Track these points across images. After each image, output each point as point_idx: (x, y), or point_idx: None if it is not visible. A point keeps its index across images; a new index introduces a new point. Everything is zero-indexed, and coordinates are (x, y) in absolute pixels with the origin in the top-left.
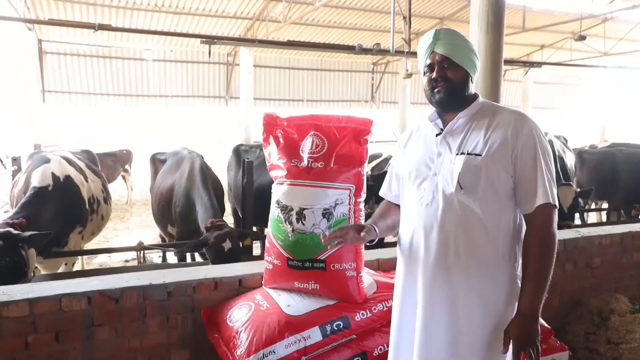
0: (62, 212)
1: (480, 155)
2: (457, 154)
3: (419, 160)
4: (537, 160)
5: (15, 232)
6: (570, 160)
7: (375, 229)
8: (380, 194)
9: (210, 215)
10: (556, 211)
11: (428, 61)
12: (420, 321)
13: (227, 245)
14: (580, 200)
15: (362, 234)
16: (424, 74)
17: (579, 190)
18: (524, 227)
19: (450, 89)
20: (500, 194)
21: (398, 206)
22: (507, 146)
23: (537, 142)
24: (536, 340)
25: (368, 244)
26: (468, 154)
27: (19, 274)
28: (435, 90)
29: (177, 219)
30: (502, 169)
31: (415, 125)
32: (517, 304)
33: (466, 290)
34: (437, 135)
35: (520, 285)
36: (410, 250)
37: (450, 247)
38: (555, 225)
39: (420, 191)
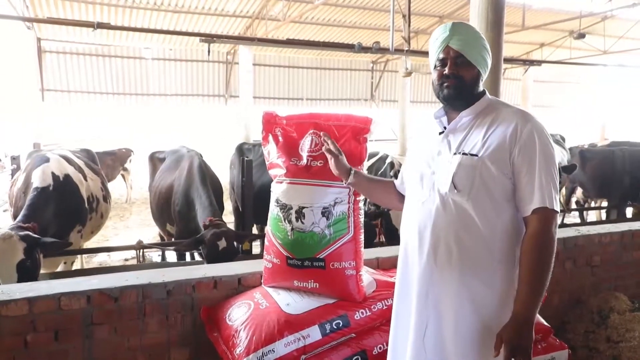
0: (62, 211)
1: (476, 155)
2: (454, 154)
3: (421, 159)
4: (536, 163)
5: (35, 236)
6: (560, 157)
7: (350, 170)
8: (396, 183)
9: (209, 214)
10: (556, 216)
11: (441, 55)
12: (413, 320)
13: (222, 244)
14: (563, 174)
15: (333, 162)
16: (435, 67)
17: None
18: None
19: (460, 87)
20: (497, 196)
21: (398, 193)
22: (505, 147)
23: (538, 144)
24: (528, 347)
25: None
26: (464, 154)
27: (33, 276)
28: (445, 85)
29: (176, 217)
30: (498, 171)
31: (424, 120)
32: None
33: (457, 291)
34: (440, 133)
35: (515, 288)
36: (407, 248)
37: (441, 246)
38: (553, 229)
39: (419, 189)
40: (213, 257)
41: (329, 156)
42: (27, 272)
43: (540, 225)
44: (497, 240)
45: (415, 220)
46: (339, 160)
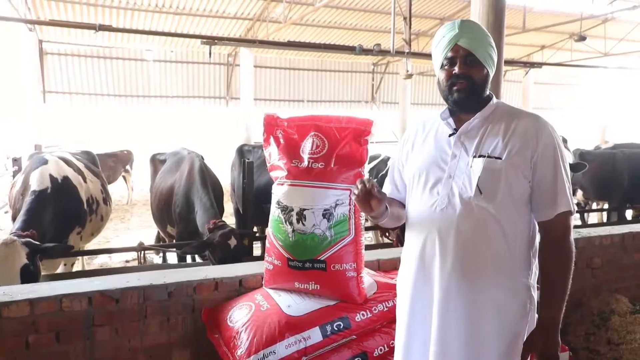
0: (60, 213)
1: (500, 158)
2: (474, 157)
3: (430, 162)
4: (558, 166)
5: (36, 242)
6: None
7: (387, 208)
8: (391, 193)
9: (211, 216)
10: (572, 217)
11: (449, 54)
12: (436, 330)
13: (233, 242)
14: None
15: (373, 202)
16: (442, 66)
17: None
18: (537, 235)
19: (470, 89)
20: (518, 199)
21: (401, 203)
22: (527, 151)
23: (557, 147)
24: (558, 353)
25: (372, 218)
26: (488, 156)
27: (34, 282)
28: (455, 88)
29: (176, 219)
30: (520, 174)
31: (420, 122)
32: (533, 315)
33: (484, 299)
34: (450, 135)
35: (533, 295)
36: (423, 256)
37: (468, 253)
38: (572, 232)
39: (434, 195)
40: (225, 257)
41: (373, 199)
42: (29, 277)
43: (563, 229)
44: (518, 244)
45: (432, 228)
46: (381, 201)
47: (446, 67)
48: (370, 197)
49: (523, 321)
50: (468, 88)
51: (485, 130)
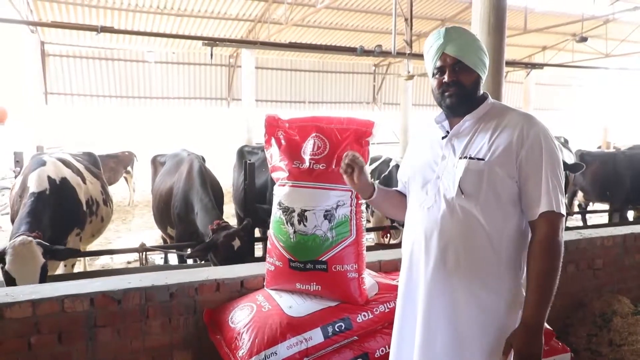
0: (59, 214)
1: (483, 159)
2: (460, 158)
3: (424, 164)
4: (543, 166)
5: (46, 243)
6: (567, 160)
7: (374, 187)
8: (399, 188)
9: (214, 217)
10: (563, 219)
11: (438, 63)
12: (420, 328)
13: (237, 243)
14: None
15: (355, 178)
16: (433, 75)
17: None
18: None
19: (461, 94)
20: (504, 200)
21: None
22: (512, 150)
23: (544, 147)
24: (539, 354)
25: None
26: (470, 158)
27: (45, 281)
28: (446, 94)
29: (175, 220)
30: (505, 174)
31: (422, 125)
32: (520, 314)
33: (467, 298)
34: (443, 137)
35: (524, 294)
36: (412, 254)
37: (450, 253)
38: (561, 233)
39: (423, 194)
40: (229, 258)
41: (355, 170)
42: (45, 276)
43: (547, 229)
44: (504, 245)
45: (420, 227)
46: (363, 173)
47: (437, 76)
48: (351, 170)
49: (511, 321)
50: (458, 93)
51: (475, 131)
